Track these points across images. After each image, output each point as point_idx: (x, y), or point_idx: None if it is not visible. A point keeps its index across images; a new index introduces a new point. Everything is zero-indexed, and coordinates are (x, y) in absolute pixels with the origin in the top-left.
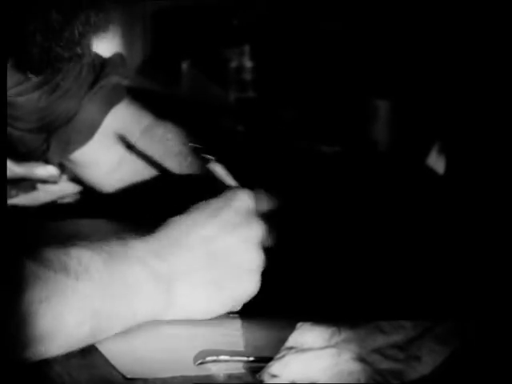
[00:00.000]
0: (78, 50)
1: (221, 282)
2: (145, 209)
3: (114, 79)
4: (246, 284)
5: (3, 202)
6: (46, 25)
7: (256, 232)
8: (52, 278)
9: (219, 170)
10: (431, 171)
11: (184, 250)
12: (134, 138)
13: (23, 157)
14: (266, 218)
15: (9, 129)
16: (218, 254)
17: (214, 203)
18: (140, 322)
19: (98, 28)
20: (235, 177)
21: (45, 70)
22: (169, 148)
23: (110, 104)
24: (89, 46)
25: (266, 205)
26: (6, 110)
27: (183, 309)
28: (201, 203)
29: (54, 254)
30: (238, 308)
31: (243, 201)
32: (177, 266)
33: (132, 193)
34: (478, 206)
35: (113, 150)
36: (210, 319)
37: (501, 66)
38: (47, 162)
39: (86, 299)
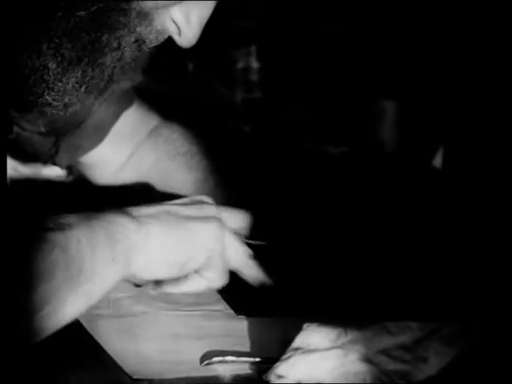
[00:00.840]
0: (68, 100)
1: (179, 246)
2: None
3: (124, 84)
4: (201, 252)
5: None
6: (42, 74)
7: (214, 211)
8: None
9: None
10: (437, 172)
11: (159, 210)
12: (141, 139)
13: (30, 157)
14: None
15: (17, 129)
16: (178, 222)
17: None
18: (123, 264)
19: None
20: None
21: (28, 111)
22: (176, 148)
23: (120, 109)
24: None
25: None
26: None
27: (156, 251)
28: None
29: (62, 219)
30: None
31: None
32: (152, 215)
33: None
34: (483, 207)
35: (120, 152)
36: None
37: (507, 68)
38: (55, 164)
39: (79, 253)
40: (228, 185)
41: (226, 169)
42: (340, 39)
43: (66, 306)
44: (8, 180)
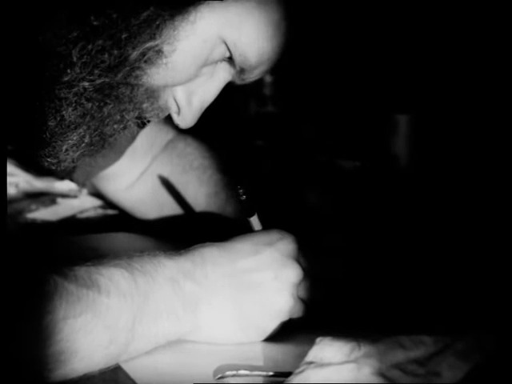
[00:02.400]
0: (62, 158)
1: (246, 314)
2: (164, 224)
3: None
4: (270, 322)
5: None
6: (40, 130)
7: (293, 276)
8: (85, 295)
9: (256, 224)
10: (451, 185)
11: (218, 274)
12: (156, 152)
13: (45, 172)
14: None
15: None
16: (250, 287)
17: (259, 238)
18: (164, 342)
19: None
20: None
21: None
22: (189, 162)
23: (139, 127)
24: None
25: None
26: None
27: (207, 331)
28: (245, 235)
29: (85, 271)
30: (260, 339)
31: (287, 244)
32: (207, 287)
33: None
34: (496, 220)
35: (135, 165)
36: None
37: None
38: (72, 181)
39: (118, 316)
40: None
41: (237, 183)
42: (353, 54)
43: None
44: (21, 193)
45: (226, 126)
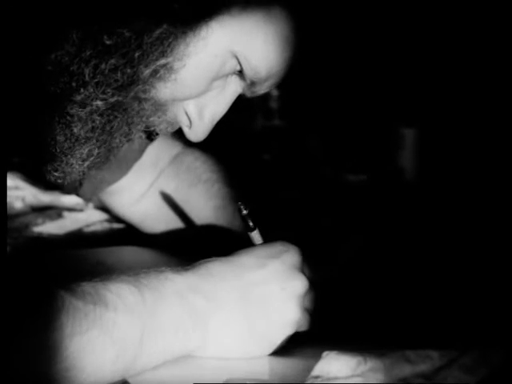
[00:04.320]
0: (69, 172)
1: (254, 327)
2: (170, 238)
3: None
4: (278, 335)
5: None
6: (49, 145)
7: (299, 288)
8: (92, 311)
9: (258, 238)
10: (456, 198)
11: (225, 288)
12: (163, 166)
13: (51, 186)
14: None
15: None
16: (256, 300)
17: (264, 251)
18: (172, 357)
19: None
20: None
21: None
22: (197, 176)
23: (145, 144)
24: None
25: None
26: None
27: (215, 346)
28: (249, 249)
29: (92, 287)
30: (268, 352)
31: (292, 255)
32: (214, 301)
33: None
34: (506, 234)
35: (142, 180)
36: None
37: None
38: (78, 196)
39: (125, 332)
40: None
41: (239, 198)
42: (359, 67)
43: None
44: (28, 207)
45: (232, 140)
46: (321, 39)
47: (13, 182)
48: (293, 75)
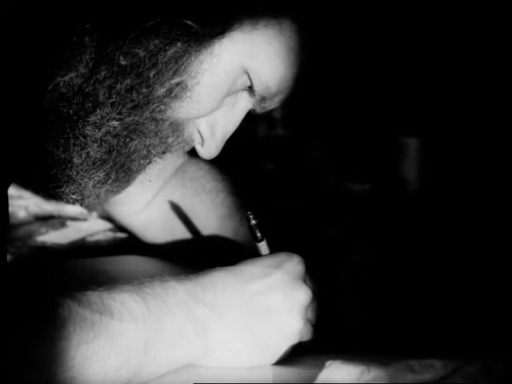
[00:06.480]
0: (86, 195)
1: (257, 336)
2: (174, 247)
3: None
4: (281, 344)
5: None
6: (65, 167)
7: (302, 297)
8: (98, 320)
9: (265, 249)
10: (460, 208)
11: (229, 298)
12: (167, 176)
13: (53, 194)
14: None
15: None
16: (259, 309)
17: (267, 261)
18: (176, 366)
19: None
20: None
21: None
22: (201, 185)
23: None
24: None
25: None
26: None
27: (219, 355)
28: (253, 259)
29: (97, 296)
30: (272, 362)
31: (295, 265)
32: (218, 310)
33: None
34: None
35: (147, 190)
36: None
37: None
38: (82, 206)
39: (130, 341)
40: None
41: (247, 208)
42: (363, 77)
43: None
44: (31, 216)
45: (235, 150)
46: (328, 51)
47: (16, 191)
48: (297, 85)
